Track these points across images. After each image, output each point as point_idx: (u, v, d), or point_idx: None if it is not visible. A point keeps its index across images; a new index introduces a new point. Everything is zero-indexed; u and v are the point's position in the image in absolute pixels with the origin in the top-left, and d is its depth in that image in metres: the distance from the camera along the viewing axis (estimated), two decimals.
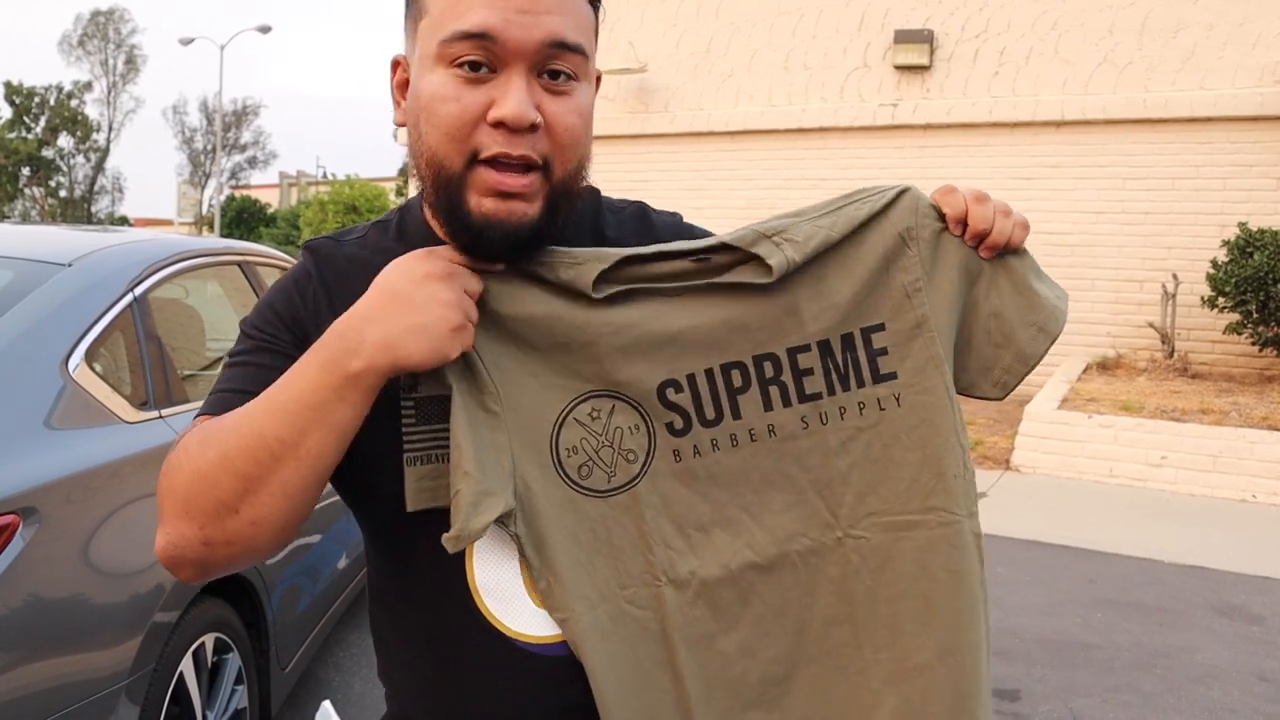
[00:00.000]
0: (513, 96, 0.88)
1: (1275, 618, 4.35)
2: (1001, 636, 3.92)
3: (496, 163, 0.89)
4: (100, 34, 53.03)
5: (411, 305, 0.85)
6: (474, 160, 0.90)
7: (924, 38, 10.33)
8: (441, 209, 0.93)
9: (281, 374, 0.89)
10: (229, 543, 0.88)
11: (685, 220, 1.14)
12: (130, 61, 53.84)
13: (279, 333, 0.99)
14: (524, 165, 0.90)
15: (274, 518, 0.88)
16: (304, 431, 0.85)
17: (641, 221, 1.11)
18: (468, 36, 0.88)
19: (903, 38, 10.39)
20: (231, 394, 0.94)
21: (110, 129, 54.12)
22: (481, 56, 0.89)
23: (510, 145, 0.89)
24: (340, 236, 1.07)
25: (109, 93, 53.71)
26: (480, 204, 0.90)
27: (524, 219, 0.91)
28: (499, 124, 0.88)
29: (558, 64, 0.90)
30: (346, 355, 0.84)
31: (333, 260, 1.03)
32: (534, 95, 0.90)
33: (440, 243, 0.97)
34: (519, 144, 0.89)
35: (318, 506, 2.87)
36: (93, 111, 54.60)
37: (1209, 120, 9.31)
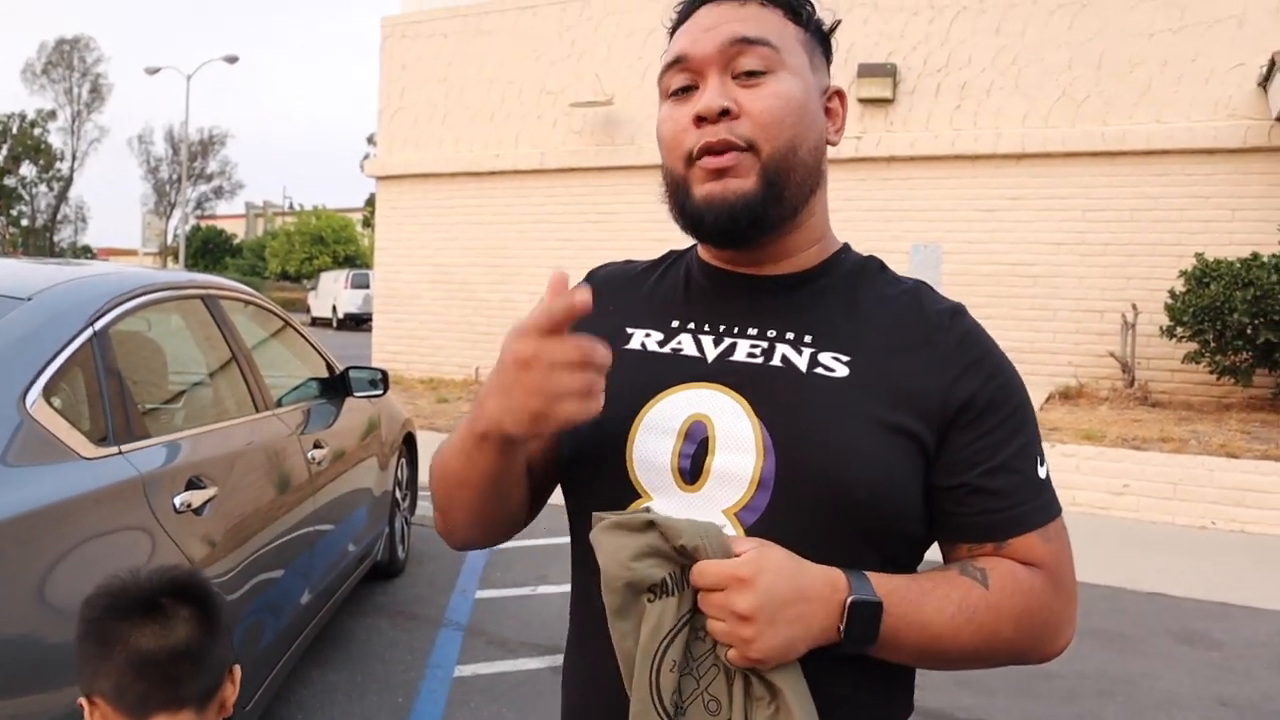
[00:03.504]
0: (705, 94, 1.02)
1: (1235, 644, 4.41)
2: None
3: (707, 153, 1.02)
4: (64, 62, 52.72)
5: (503, 386, 0.93)
6: (691, 161, 1.03)
7: (887, 72, 10.50)
8: (676, 212, 1.08)
9: None
10: (453, 533, 1.13)
11: (955, 312, 1.09)
12: (95, 90, 53.54)
13: None
14: (727, 147, 1.01)
15: (472, 525, 1.11)
16: (466, 471, 1.03)
17: (911, 300, 1.09)
18: (670, 66, 1.07)
19: (866, 71, 10.55)
20: None
21: (74, 158, 53.71)
22: (686, 79, 1.05)
23: (711, 133, 1.01)
24: (633, 260, 1.25)
25: (73, 121, 53.34)
26: (701, 189, 1.03)
27: (739, 193, 1.01)
28: (699, 120, 1.02)
29: (746, 60, 1.02)
30: (476, 418, 0.98)
31: (604, 272, 1.23)
32: (729, 90, 1.02)
33: (702, 262, 1.14)
34: (718, 130, 1.01)
35: (280, 541, 2.82)
36: (56, 140, 54.09)
37: (1165, 153, 9.51)
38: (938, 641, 0.97)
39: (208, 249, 49.23)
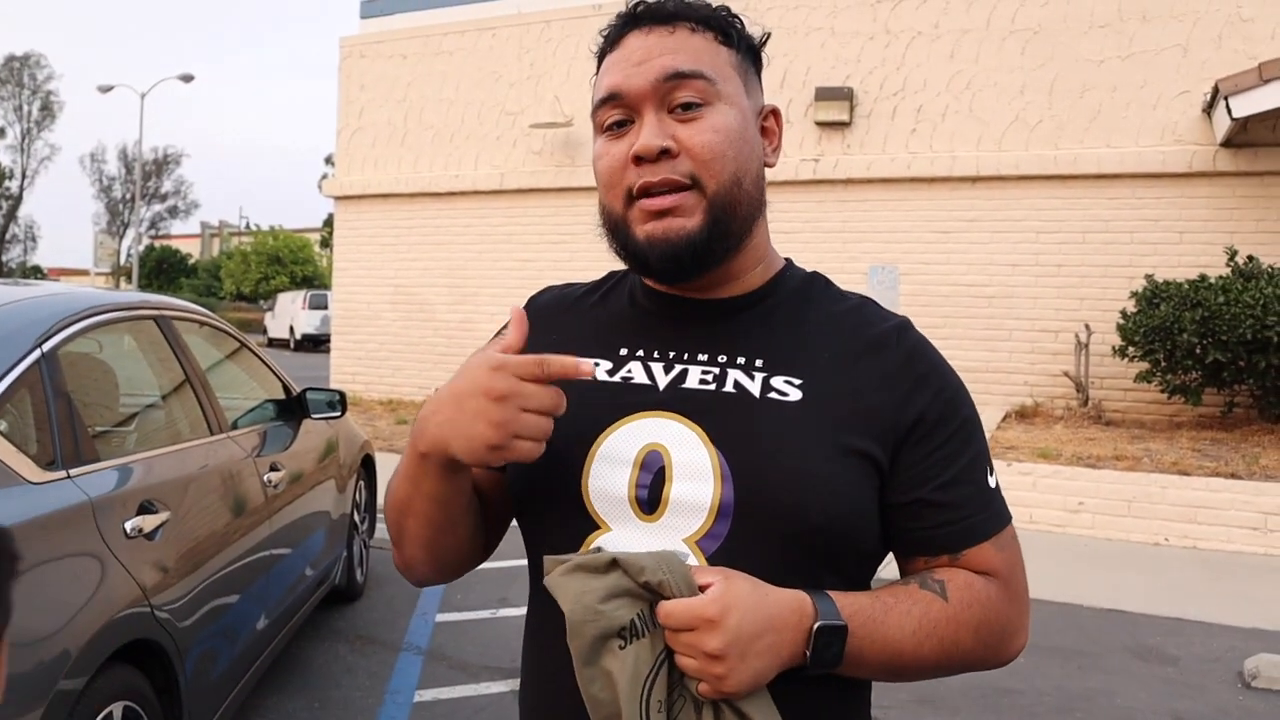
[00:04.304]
0: (643, 132, 1.01)
1: (1189, 659, 4.46)
2: (927, 684, 3.95)
3: (646, 193, 1.01)
4: (14, 79, 51.94)
5: (461, 412, 0.92)
6: (630, 200, 1.02)
7: (844, 95, 10.62)
8: (618, 249, 1.06)
9: None
10: (410, 568, 1.11)
11: (899, 327, 1.09)
12: (46, 108, 52.78)
13: None
14: (670, 187, 1.00)
15: (426, 559, 1.08)
16: (410, 495, 1.03)
17: (858, 316, 1.09)
18: (604, 102, 1.04)
19: (823, 95, 10.66)
20: None
21: (24, 176, 52.87)
22: (621, 114, 1.03)
23: (651, 173, 1.00)
24: (573, 283, 1.23)
25: (23, 139, 52.52)
26: (642, 230, 1.02)
27: (682, 232, 1.01)
28: (638, 160, 1.00)
29: (681, 94, 1.01)
30: (417, 438, 0.97)
31: (545, 298, 1.21)
32: (666, 128, 1.01)
33: (646, 287, 1.12)
34: (658, 170, 1.00)
35: (235, 566, 2.78)
36: (5, 158, 53.14)
37: (1115, 177, 9.69)
38: (900, 657, 0.98)
39: (162, 269, 48.57)
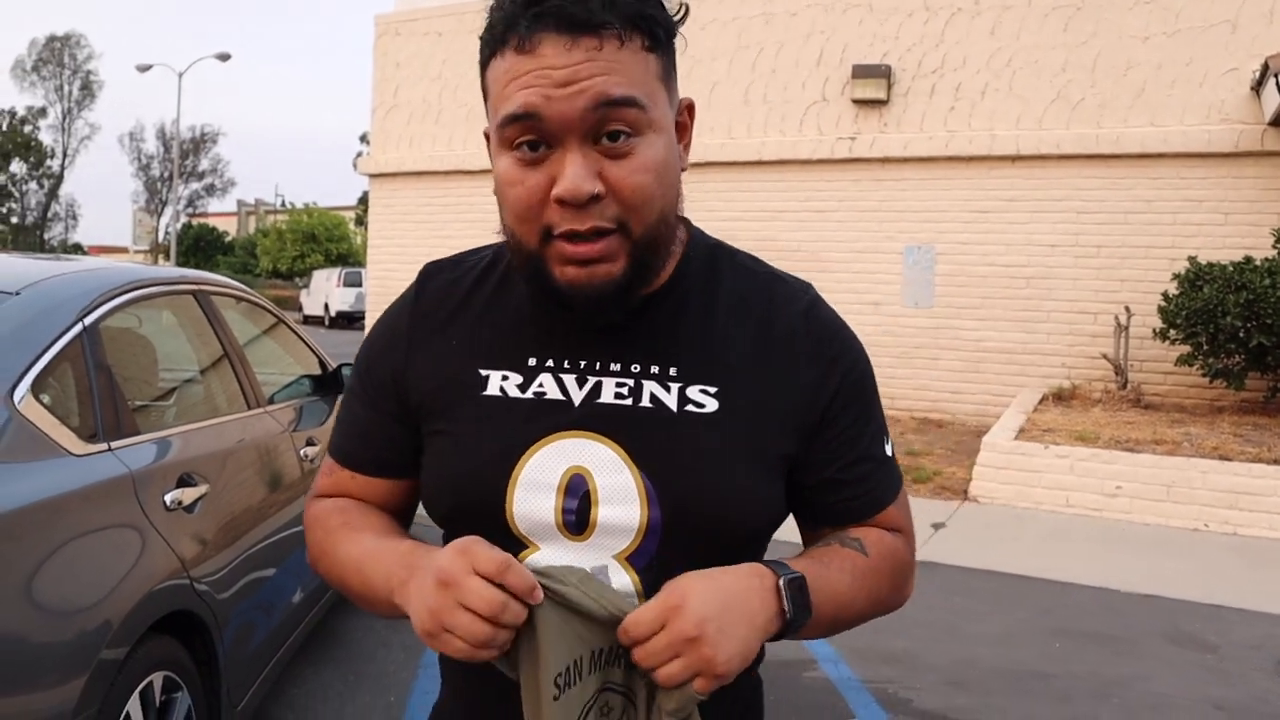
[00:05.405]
0: (568, 172, 0.89)
1: (1228, 646, 4.40)
2: (959, 666, 3.93)
3: (569, 236, 0.91)
4: (55, 59, 52.60)
5: (421, 605, 0.91)
6: (548, 236, 0.92)
7: (881, 73, 10.49)
8: (527, 279, 0.98)
9: (374, 426, 1.10)
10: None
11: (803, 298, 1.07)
12: (86, 88, 53.43)
13: (372, 381, 1.12)
14: (596, 233, 0.91)
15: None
16: (381, 608, 1.03)
17: (765, 301, 1.06)
18: (516, 119, 0.90)
19: (860, 73, 10.54)
20: (342, 450, 1.14)
21: (65, 155, 53.61)
22: (535, 135, 0.90)
23: (577, 220, 0.90)
24: (465, 257, 1.13)
25: (64, 119, 53.22)
26: (563, 272, 0.93)
27: (608, 278, 0.93)
28: (561, 201, 0.90)
29: (613, 124, 0.90)
30: (399, 592, 0.97)
31: (435, 286, 1.11)
32: (593, 164, 0.90)
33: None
34: (586, 217, 0.90)
35: (272, 540, 2.80)
36: (46, 137, 53.88)
37: (1159, 156, 9.51)
38: (843, 610, 1.01)
39: (199, 246, 49.09)
